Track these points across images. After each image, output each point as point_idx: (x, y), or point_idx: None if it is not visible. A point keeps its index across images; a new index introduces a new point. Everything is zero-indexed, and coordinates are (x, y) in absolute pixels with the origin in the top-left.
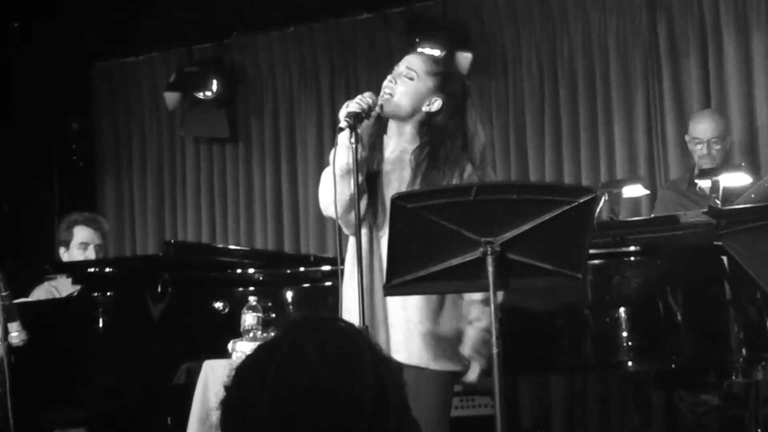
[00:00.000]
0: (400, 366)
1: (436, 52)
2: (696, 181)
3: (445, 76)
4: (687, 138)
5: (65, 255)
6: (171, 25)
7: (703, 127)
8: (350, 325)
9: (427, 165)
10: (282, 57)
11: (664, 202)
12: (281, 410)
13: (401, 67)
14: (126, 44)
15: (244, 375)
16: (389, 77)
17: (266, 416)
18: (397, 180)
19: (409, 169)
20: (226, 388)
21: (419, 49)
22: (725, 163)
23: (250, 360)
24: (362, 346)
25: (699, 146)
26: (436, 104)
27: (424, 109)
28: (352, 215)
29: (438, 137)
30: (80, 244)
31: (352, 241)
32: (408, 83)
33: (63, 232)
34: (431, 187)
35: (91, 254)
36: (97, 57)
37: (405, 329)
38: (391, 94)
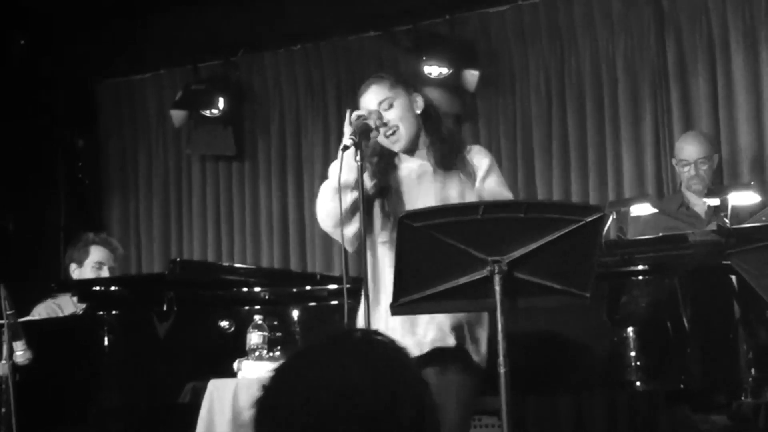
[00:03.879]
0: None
1: (444, 70)
2: (705, 200)
3: (399, 79)
4: (674, 161)
5: (76, 272)
6: (177, 42)
7: (689, 149)
8: (393, 342)
9: (442, 155)
10: (289, 75)
11: (651, 224)
12: (317, 420)
13: (372, 105)
14: (132, 62)
15: (284, 377)
16: (375, 121)
17: (301, 422)
18: (420, 191)
19: (431, 175)
20: (264, 387)
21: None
22: (734, 182)
23: (292, 363)
24: (405, 365)
25: (686, 168)
26: (419, 101)
27: (418, 112)
28: (347, 230)
29: (437, 125)
30: (95, 263)
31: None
32: (392, 110)
33: (77, 251)
34: (439, 205)
35: (105, 275)
36: (103, 74)
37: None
38: (394, 131)
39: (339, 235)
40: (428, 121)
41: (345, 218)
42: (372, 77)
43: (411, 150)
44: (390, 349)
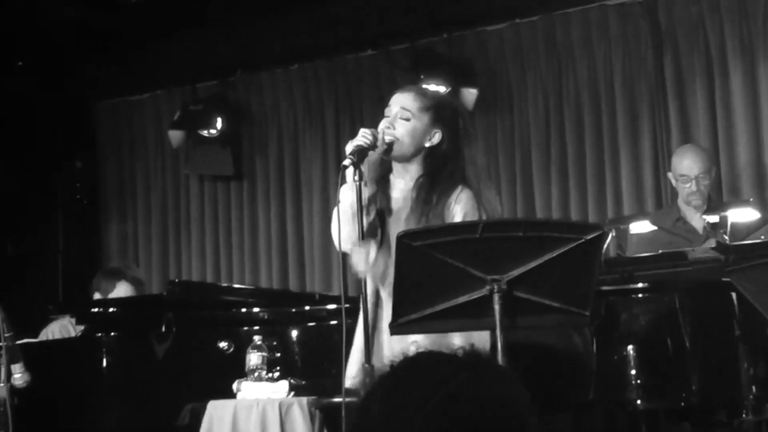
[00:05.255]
0: None
1: (441, 89)
2: (704, 216)
3: (437, 108)
4: (671, 175)
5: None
6: (175, 63)
7: (688, 164)
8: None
9: (426, 194)
10: (286, 94)
11: (650, 241)
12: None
13: (394, 108)
14: (130, 82)
15: (407, 392)
16: (386, 121)
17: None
18: (405, 220)
19: (408, 211)
20: (392, 367)
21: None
22: (733, 198)
23: (430, 367)
24: (530, 406)
25: (687, 184)
26: (437, 137)
27: (427, 144)
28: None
29: (439, 165)
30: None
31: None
32: (406, 124)
33: (105, 280)
34: (438, 225)
35: None
36: (101, 95)
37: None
38: (392, 141)
39: (358, 253)
40: (431, 158)
41: (367, 239)
42: (416, 86)
43: (397, 170)
44: (520, 387)
